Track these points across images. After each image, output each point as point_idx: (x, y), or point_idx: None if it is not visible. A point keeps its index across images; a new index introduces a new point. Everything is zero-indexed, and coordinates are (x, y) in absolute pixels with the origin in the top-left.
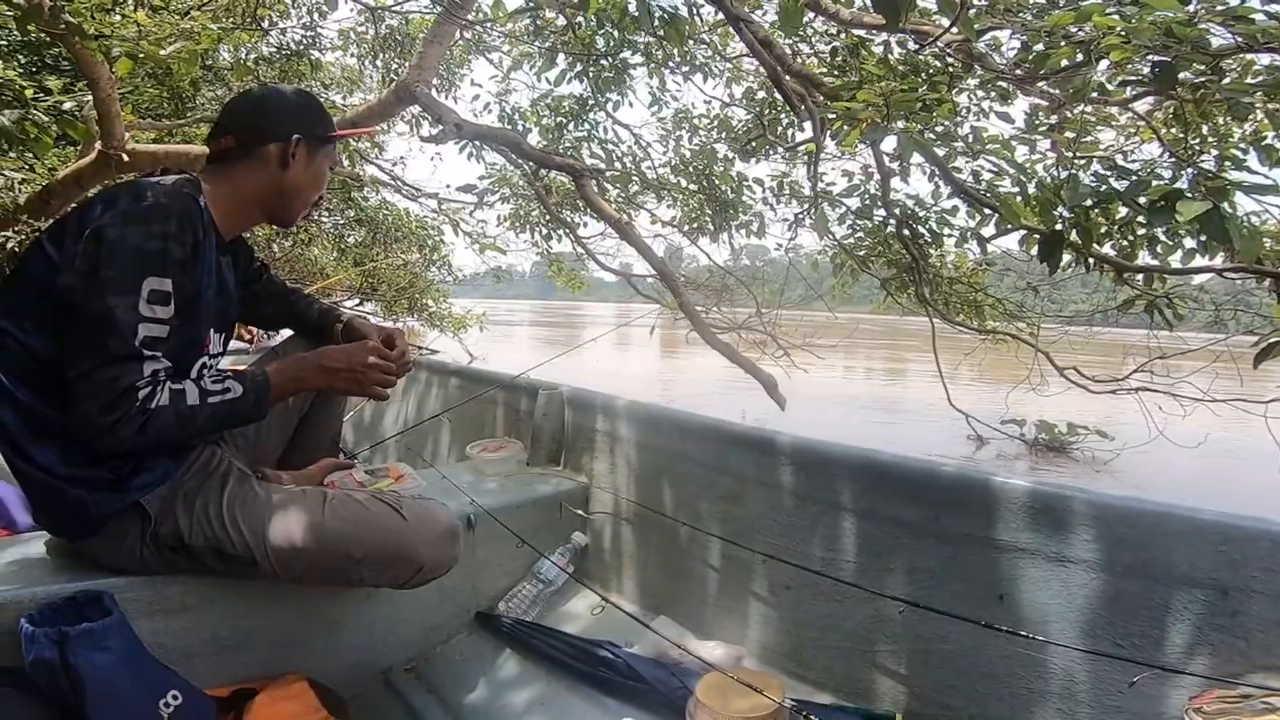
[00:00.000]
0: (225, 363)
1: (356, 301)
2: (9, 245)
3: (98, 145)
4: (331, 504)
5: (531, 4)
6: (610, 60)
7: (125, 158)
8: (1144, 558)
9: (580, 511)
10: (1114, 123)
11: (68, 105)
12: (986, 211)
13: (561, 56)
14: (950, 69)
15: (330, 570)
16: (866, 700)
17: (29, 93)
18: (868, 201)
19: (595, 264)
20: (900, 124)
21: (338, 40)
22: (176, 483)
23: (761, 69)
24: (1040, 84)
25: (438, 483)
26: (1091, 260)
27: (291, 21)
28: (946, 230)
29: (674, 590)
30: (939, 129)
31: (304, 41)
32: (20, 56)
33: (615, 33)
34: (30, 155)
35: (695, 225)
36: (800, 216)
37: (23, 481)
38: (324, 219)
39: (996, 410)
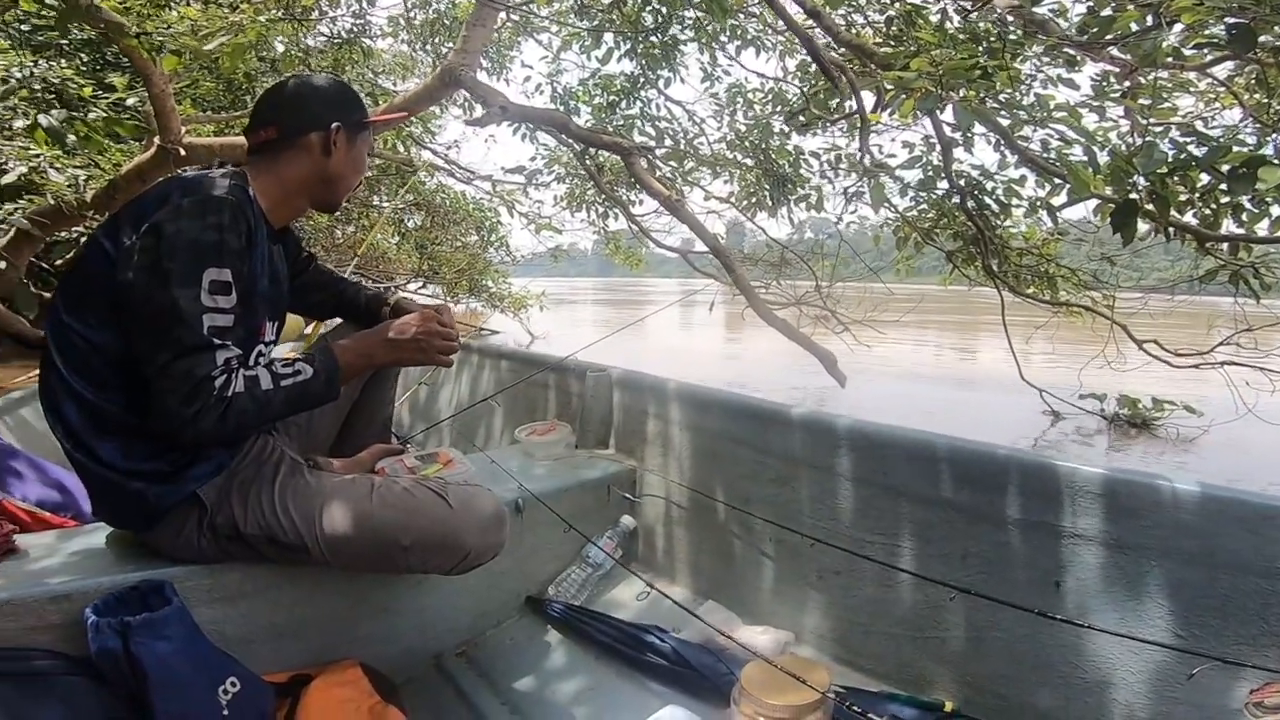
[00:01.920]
0: (281, 350)
1: (420, 284)
2: (79, 241)
3: (156, 140)
4: (379, 491)
5: None
6: (660, 37)
7: (181, 151)
8: (1208, 545)
9: (628, 495)
10: (1192, 89)
11: (131, 101)
12: (1057, 181)
13: (610, 35)
14: (1010, 35)
15: (378, 557)
16: (917, 688)
17: (88, 90)
18: (930, 173)
19: (653, 242)
20: (958, 93)
21: (387, 27)
22: (232, 473)
23: (811, 41)
24: (1109, 49)
25: (486, 467)
26: (1171, 229)
27: (341, 10)
28: (1015, 200)
29: (722, 574)
30: (1003, 97)
31: (354, 30)
32: (83, 54)
33: (662, 9)
34: (95, 152)
35: (754, 200)
36: (856, 190)
37: (84, 476)
38: (383, 204)
39: (1072, 386)
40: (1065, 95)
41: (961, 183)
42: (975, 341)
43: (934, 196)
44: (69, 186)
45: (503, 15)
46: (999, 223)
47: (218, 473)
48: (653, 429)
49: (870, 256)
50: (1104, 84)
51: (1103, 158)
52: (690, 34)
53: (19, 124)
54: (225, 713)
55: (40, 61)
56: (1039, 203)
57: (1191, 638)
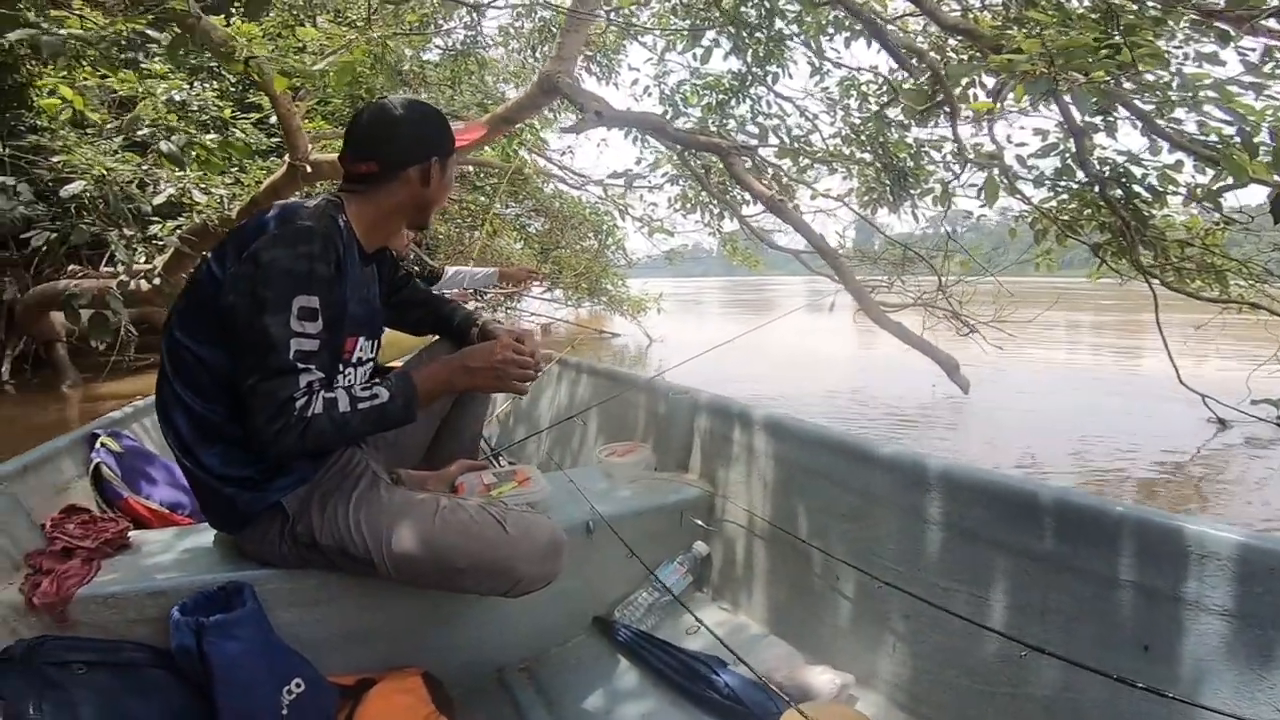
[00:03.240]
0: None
1: (545, 287)
2: None
3: (287, 157)
4: (442, 513)
5: None
6: (765, 32)
7: (308, 168)
8: None
9: (700, 521)
10: None
11: (275, 119)
12: (1220, 166)
13: (709, 33)
14: (1150, 10)
15: (437, 576)
16: None
17: (228, 112)
18: (1068, 161)
19: (774, 238)
20: (1082, 75)
21: (498, 36)
22: (314, 484)
23: (932, 27)
24: (1268, 21)
25: (563, 486)
26: None
27: (454, 22)
28: (1171, 188)
29: (789, 608)
30: (1149, 78)
31: (467, 41)
32: (231, 76)
33: (765, 3)
34: (239, 171)
35: (874, 196)
36: (971, 184)
37: (190, 480)
38: (506, 208)
39: (1240, 391)
40: (1220, 73)
41: (1106, 170)
42: (1128, 340)
43: (1074, 186)
44: (212, 208)
45: (603, 20)
46: (1152, 212)
47: (301, 484)
48: (734, 456)
49: (1005, 251)
50: (1265, 60)
51: (1265, 140)
52: (795, 28)
53: (164, 146)
54: (284, 712)
55: (193, 84)
56: (1198, 190)
57: None
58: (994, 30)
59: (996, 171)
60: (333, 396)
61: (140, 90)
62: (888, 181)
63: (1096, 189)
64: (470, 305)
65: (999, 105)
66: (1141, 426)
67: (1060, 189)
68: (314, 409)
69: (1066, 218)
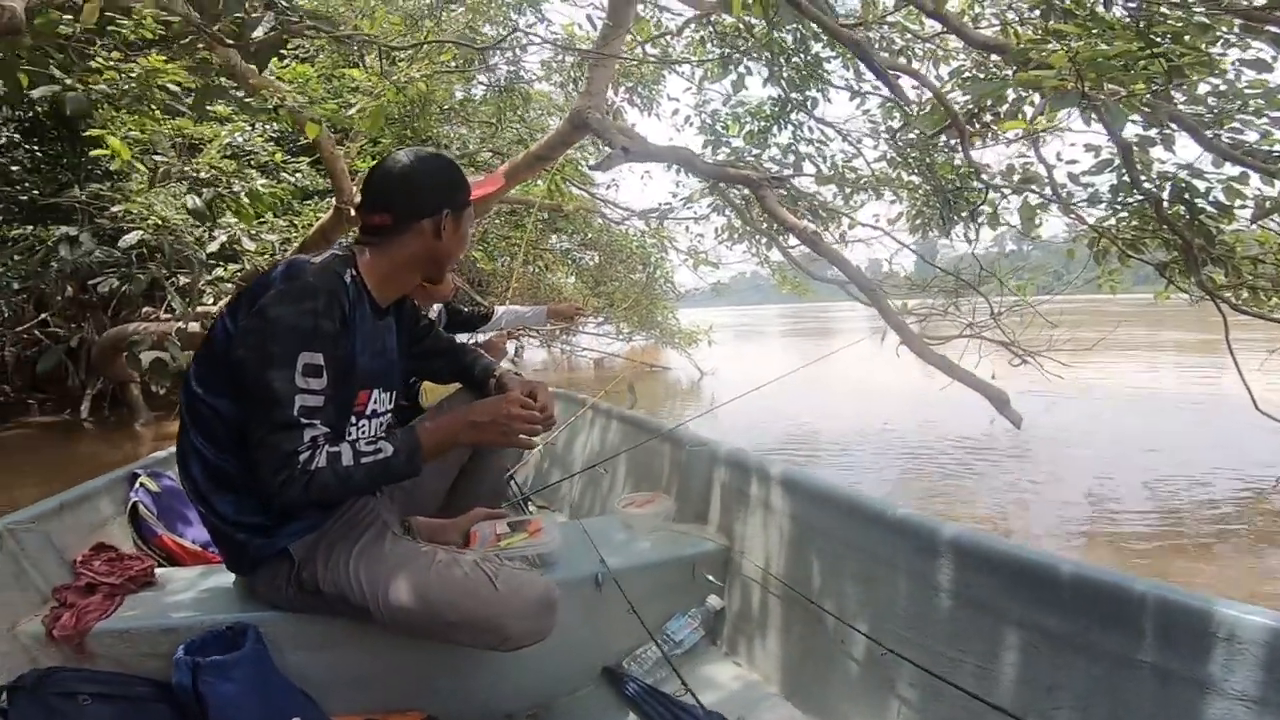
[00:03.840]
0: None
1: (599, 321)
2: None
3: (333, 200)
4: (437, 567)
5: (696, 18)
6: (803, 58)
7: (352, 211)
8: None
9: (712, 576)
10: None
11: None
12: None
13: (742, 62)
14: (1195, 18)
15: (430, 628)
16: None
17: (278, 157)
18: (1124, 177)
19: (819, 267)
20: (1121, 88)
21: (540, 71)
22: (322, 533)
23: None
24: None
25: (578, 537)
26: None
27: (497, 58)
28: (1239, 202)
29: (800, 668)
30: (1201, 88)
31: (509, 77)
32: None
33: (800, 28)
34: (292, 215)
35: (924, 221)
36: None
37: (206, 525)
38: (557, 243)
39: None
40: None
41: (1166, 186)
42: (1205, 360)
43: (1132, 203)
44: (261, 253)
45: (627, 57)
46: (1220, 228)
47: (309, 531)
48: (750, 510)
49: (1074, 270)
50: None
51: None
52: (831, 50)
53: (189, 201)
54: None
55: (254, 125)
56: (1267, 203)
57: None
58: (1031, 43)
59: (1033, 195)
60: (336, 451)
61: (208, 134)
62: (937, 205)
63: (1152, 205)
64: (522, 341)
65: (1031, 123)
66: (1218, 456)
67: (1118, 206)
68: (317, 463)
69: (1128, 236)
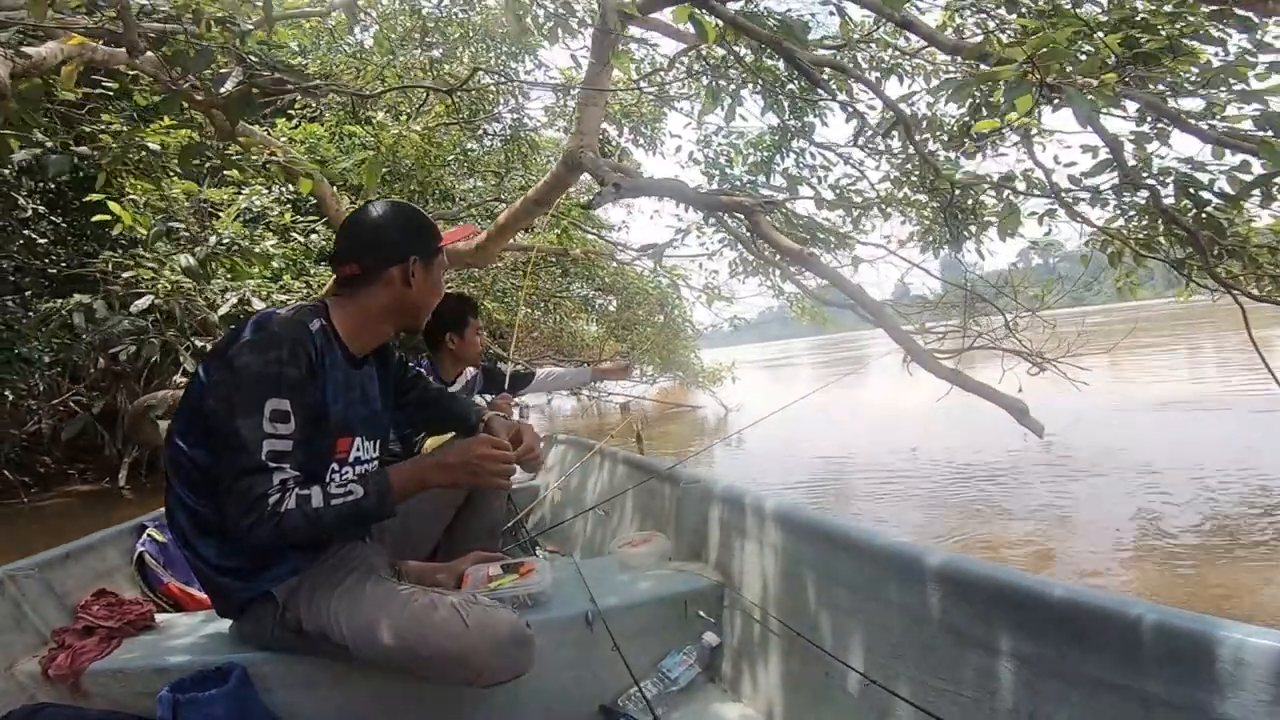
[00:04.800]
0: None
1: (637, 371)
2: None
3: None
4: (411, 606)
5: (683, 51)
6: (798, 84)
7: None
8: None
9: (704, 613)
10: None
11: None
12: None
13: (731, 92)
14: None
15: (403, 664)
16: None
17: (288, 217)
18: (1126, 177)
19: (834, 295)
20: (1090, 80)
21: (544, 117)
22: (305, 575)
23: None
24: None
25: (572, 576)
26: None
27: (501, 107)
28: (1247, 189)
29: (794, 704)
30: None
31: (514, 125)
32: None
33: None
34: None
35: (934, 238)
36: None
37: (194, 570)
38: (578, 290)
39: None
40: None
41: (1169, 180)
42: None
43: (1139, 202)
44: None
45: (614, 90)
46: (1230, 219)
47: (292, 575)
48: (744, 546)
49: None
50: None
51: None
52: (826, 73)
53: (183, 260)
54: None
55: (271, 187)
56: (1276, 189)
57: None
58: (1004, 46)
59: (1037, 199)
60: (306, 494)
61: (225, 198)
62: (943, 219)
63: (1153, 201)
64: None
65: (1002, 119)
66: (1235, 457)
67: (1123, 206)
68: (287, 504)
69: (1140, 235)
